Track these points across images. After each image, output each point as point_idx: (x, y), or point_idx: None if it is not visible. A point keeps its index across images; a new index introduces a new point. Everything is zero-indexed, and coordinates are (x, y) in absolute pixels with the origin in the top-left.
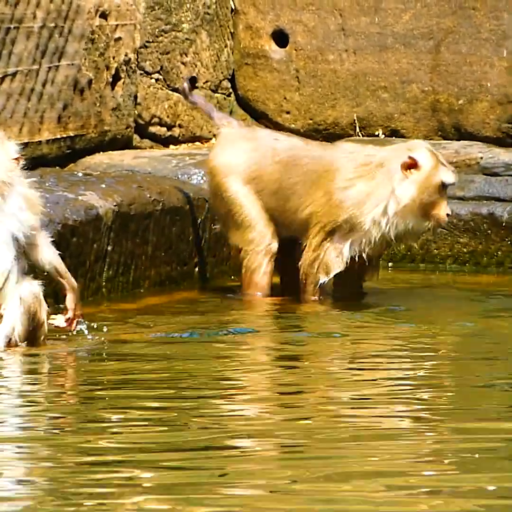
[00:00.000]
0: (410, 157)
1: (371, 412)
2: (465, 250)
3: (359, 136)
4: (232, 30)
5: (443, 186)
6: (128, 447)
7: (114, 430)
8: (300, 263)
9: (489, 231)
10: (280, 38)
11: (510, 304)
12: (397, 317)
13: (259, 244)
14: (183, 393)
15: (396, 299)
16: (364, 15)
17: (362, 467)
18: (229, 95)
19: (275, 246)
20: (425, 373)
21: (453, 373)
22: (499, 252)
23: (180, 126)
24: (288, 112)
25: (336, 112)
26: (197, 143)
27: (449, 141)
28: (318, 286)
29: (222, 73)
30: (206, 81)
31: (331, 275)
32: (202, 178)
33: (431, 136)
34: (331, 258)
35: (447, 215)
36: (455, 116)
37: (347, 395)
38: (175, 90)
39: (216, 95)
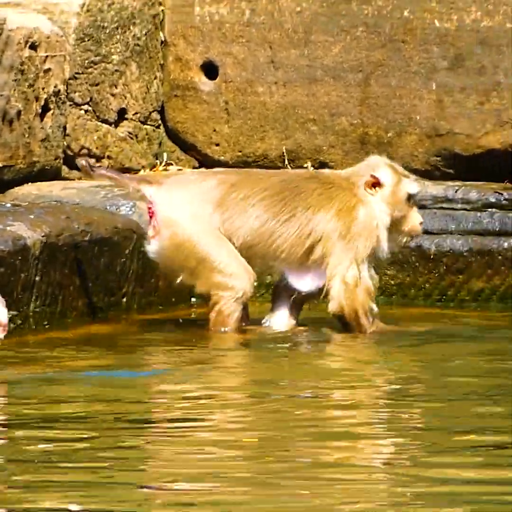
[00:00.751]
0: (372, 176)
1: None
2: (392, 282)
3: (288, 168)
4: (161, 62)
5: (409, 198)
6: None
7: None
8: (335, 304)
9: (417, 264)
10: (210, 70)
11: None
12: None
13: (238, 292)
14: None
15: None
16: (294, 48)
17: None
18: (158, 127)
19: (251, 292)
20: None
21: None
22: (427, 285)
23: (109, 157)
24: (217, 144)
25: (265, 144)
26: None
27: None
28: (371, 315)
29: (151, 104)
30: (136, 113)
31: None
32: (130, 209)
33: None
34: (369, 283)
35: (420, 223)
36: (384, 148)
37: None
38: (105, 121)
39: (145, 126)
